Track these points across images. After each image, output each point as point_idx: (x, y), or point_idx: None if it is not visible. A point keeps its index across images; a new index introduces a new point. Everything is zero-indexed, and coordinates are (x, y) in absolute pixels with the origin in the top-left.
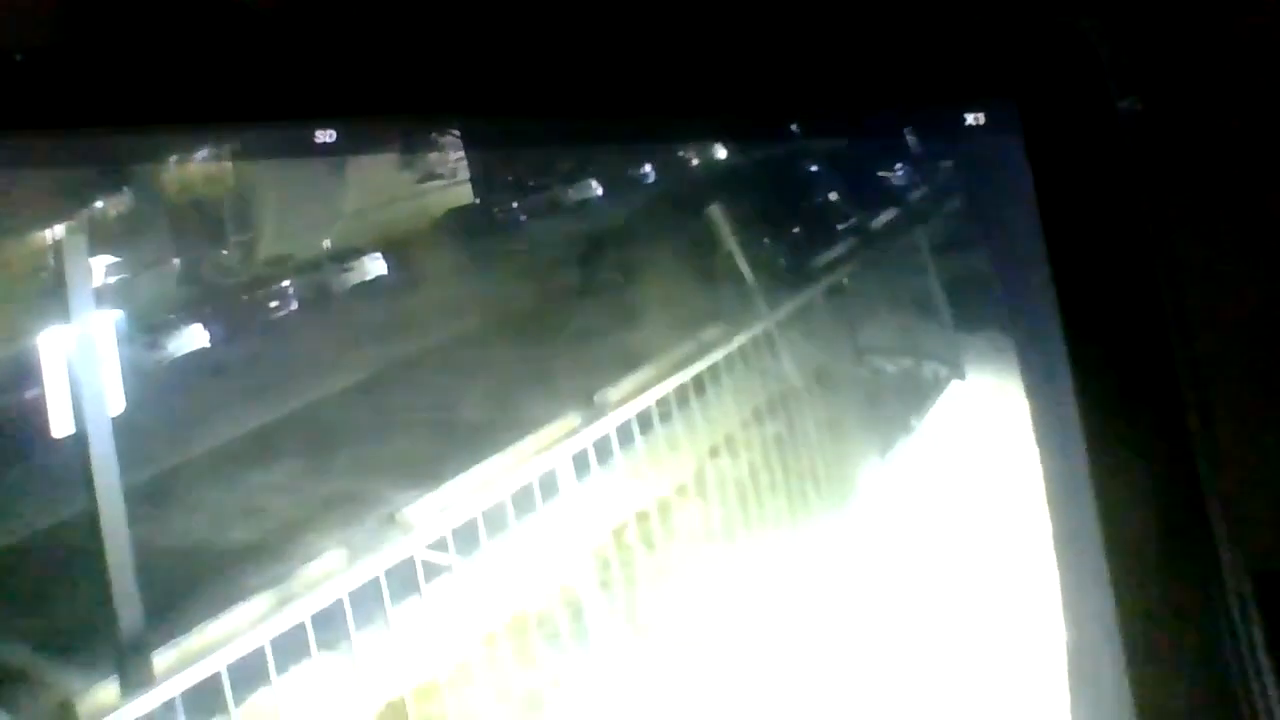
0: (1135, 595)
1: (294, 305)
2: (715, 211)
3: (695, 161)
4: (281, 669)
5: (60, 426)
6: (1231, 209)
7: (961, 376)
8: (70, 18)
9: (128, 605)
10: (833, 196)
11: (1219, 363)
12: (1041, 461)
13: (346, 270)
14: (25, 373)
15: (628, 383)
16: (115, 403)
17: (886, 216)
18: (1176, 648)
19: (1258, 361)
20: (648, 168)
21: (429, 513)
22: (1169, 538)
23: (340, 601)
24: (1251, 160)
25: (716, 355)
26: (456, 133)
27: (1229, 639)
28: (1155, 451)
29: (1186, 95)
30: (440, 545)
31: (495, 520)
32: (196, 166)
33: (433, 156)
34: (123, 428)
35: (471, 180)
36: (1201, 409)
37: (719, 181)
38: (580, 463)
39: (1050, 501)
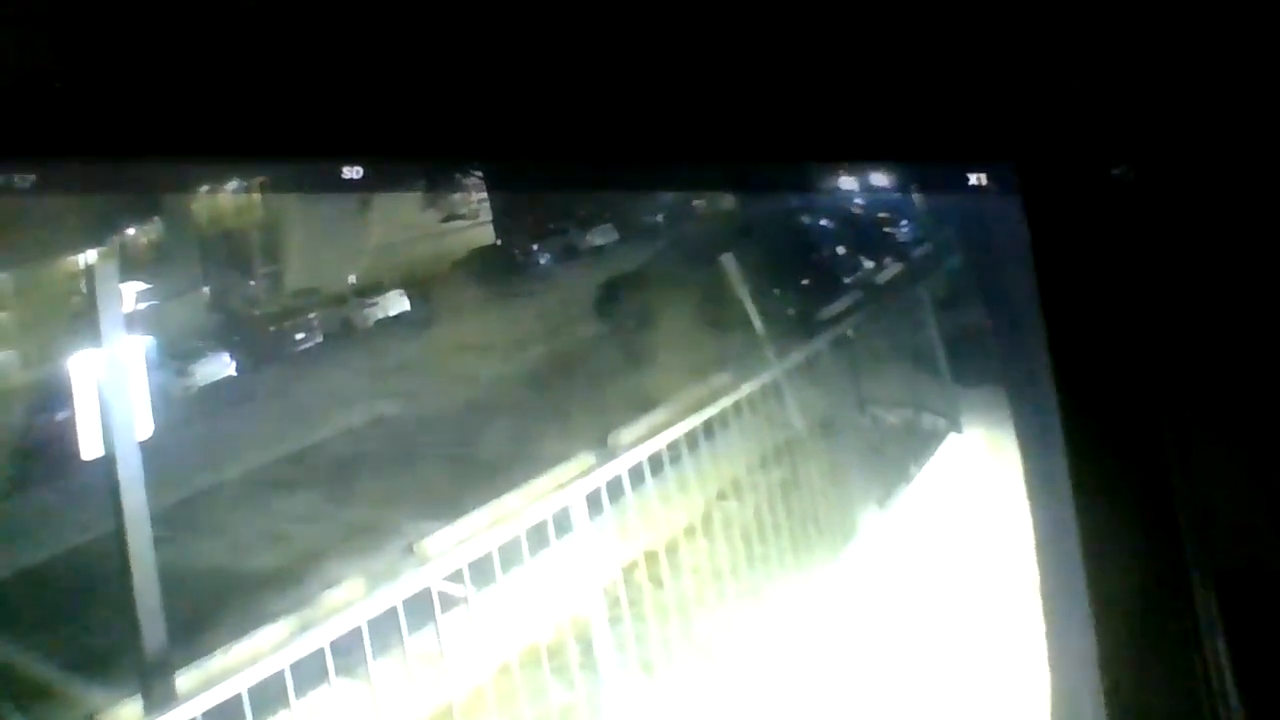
0: (1116, 630)
1: (319, 338)
2: (727, 262)
3: (708, 213)
4: (301, 693)
5: (90, 449)
6: (1213, 267)
7: (959, 428)
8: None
9: (152, 625)
10: (840, 251)
11: (1190, 383)
12: (1031, 508)
13: (370, 305)
14: (57, 396)
15: (640, 425)
16: (144, 427)
17: (891, 272)
18: (1152, 669)
19: (1224, 379)
20: (661, 218)
21: (446, 545)
22: (1150, 574)
23: (359, 629)
24: (1235, 227)
25: (726, 401)
26: (479, 174)
27: (1197, 646)
28: (1141, 503)
29: (1176, 164)
30: (456, 577)
31: (510, 554)
32: (227, 198)
33: (456, 197)
34: (151, 452)
35: (493, 222)
36: (1182, 457)
37: (731, 233)
38: (593, 502)
39: (1039, 545)
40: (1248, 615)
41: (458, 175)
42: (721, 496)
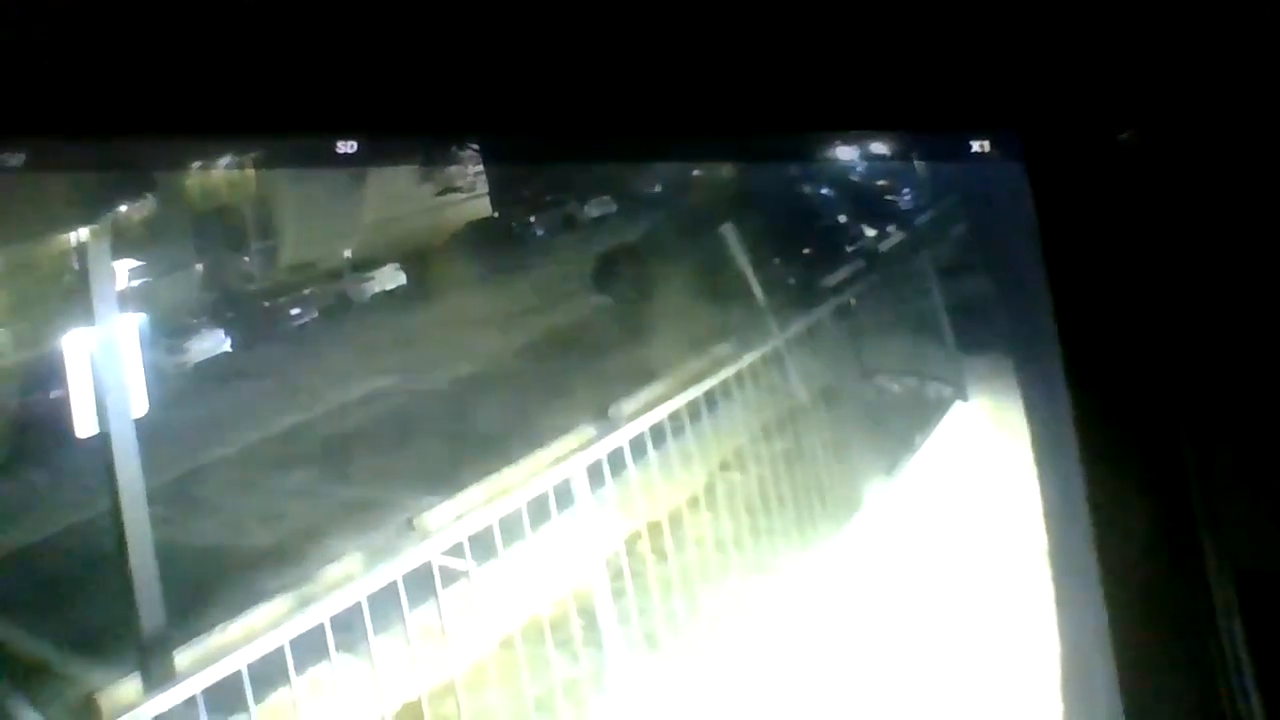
0: (1127, 601)
1: (314, 313)
2: (728, 231)
3: (709, 182)
4: (301, 669)
5: (84, 427)
6: (1220, 235)
7: (964, 397)
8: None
9: (150, 604)
10: (842, 219)
11: (1203, 373)
12: (1039, 477)
13: (366, 280)
14: (50, 375)
15: (641, 396)
16: (139, 405)
17: (894, 240)
18: (1166, 652)
19: (1236, 372)
20: (660, 189)
21: (446, 519)
22: (1160, 549)
23: (359, 604)
24: (1243, 193)
25: (728, 371)
26: (475, 147)
27: (1215, 641)
28: (1149, 471)
29: (1182, 129)
30: (457, 551)
31: (511, 528)
32: (220, 174)
33: (452, 170)
34: (146, 430)
35: (489, 195)
36: (1193, 425)
37: (732, 202)
38: (594, 474)
39: (1047, 515)
40: (1265, 603)
41: (454, 149)
42: (725, 467)
